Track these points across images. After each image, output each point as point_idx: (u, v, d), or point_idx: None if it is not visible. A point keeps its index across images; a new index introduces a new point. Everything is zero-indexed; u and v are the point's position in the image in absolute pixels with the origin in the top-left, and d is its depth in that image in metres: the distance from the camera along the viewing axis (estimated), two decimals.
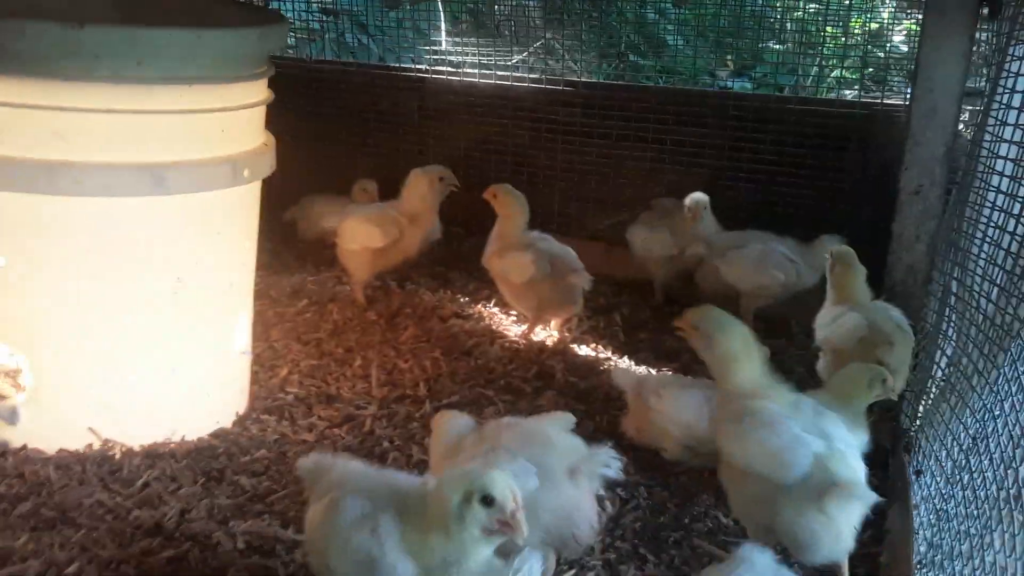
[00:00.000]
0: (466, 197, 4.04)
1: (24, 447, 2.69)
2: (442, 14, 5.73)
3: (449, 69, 5.00)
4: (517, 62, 5.24)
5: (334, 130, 5.05)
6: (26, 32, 2.27)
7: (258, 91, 2.81)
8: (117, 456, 2.71)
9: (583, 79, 4.77)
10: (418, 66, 5.10)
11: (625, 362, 3.67)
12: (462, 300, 4.20)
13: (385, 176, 4.42)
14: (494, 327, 3.96)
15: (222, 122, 2.65)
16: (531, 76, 4.75)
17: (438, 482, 1.82)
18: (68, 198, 2.42)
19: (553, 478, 2.15)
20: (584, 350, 3.80)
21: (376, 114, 5.01)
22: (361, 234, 3.93)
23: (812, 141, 4.15)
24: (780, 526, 2.25)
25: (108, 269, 2.55)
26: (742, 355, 2.41)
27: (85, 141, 2.41)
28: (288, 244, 4.63)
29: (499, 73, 4.81)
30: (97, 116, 2.41)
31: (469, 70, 4.85)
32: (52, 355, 2.59)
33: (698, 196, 3.93)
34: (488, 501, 1.73)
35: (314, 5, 5.49)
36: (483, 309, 4.14)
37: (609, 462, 2.24)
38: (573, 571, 2.39)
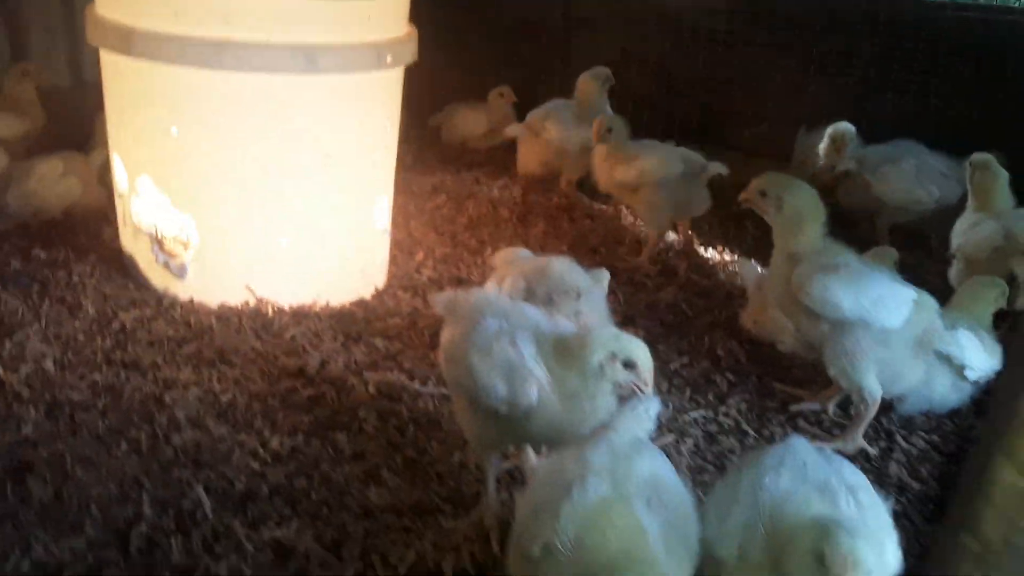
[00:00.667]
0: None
1: (191, 300, 3.04)
2: None
3: None
4: None
5: (479, 40, 5.21)
6: None
7: None
8: (269, 313, 3.02)
9: None
10: None
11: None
12: (594, 205, 4.33)
13: (527, 85, 4.57)
14: (622, 227, 4.08)
15: (368, 10, 2.85)
16: None
17: (590, 334, 1.98)
18: (232, 73, 2.69)
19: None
20: (711, 252, 3.86)
21: (521, 24, 5.13)
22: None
23: (969, 51, 3.97)
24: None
25: (266, 140, 2.82)
26: (811, 215, 2.46)
27: (248, 22, 2.65)
28: (432, 147, 4.89)
29: None
30: (258, 0, 2.65)
31: None
32: (216, 218, 2.90)
33: (843, 127, 3.85)
34: (630, 365, 1.90)
35: None
36: (613, 211, 4.25)
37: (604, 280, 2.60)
38: (673, 436, 2.52)
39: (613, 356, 1.91)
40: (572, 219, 4.12)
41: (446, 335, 2.16)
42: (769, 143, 4.36)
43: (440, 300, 2.28)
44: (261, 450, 2.33)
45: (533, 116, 4.33)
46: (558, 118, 4.24)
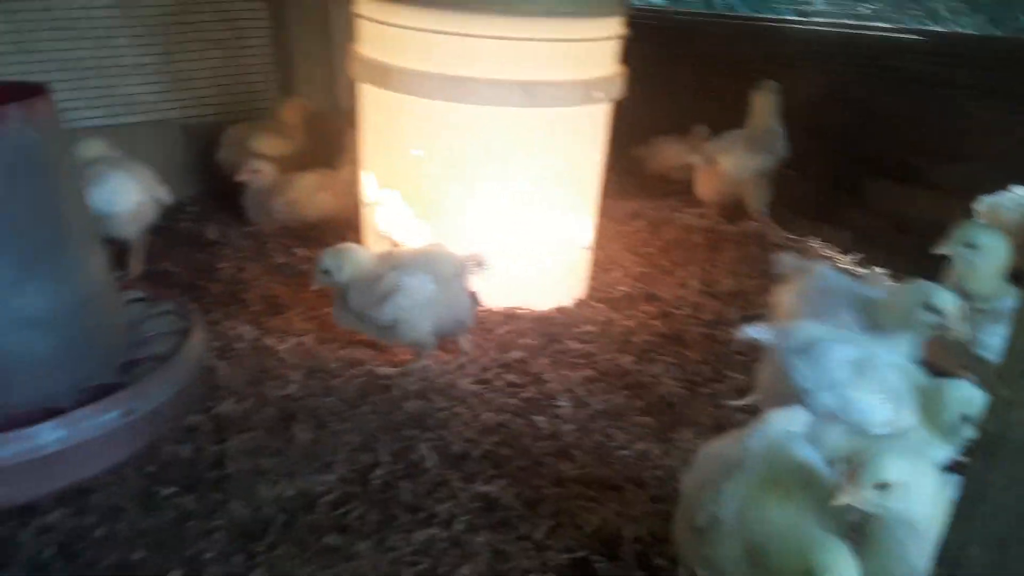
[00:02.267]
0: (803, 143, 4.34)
1: None
2: None
3: (797, 19, 5.25)
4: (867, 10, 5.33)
5: (685, 77, 5.52)
6: None
7: (612, 27, 3.35)
8: (481, 313, 3.47)
9: (931, 27, 4.77)
10: (766, 15, 5.39)
11: None
12: (786, 235, 4.53)
13: (730, 121, 4.83)
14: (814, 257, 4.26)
15: (580, 50, 3.24)
16: (877, 24, 4.85)
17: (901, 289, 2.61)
18: (467, 105, 3.17)
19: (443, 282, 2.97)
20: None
21: (725, 62, 5.40)
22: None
23: None
24: None
25: (492, 163, 3.27)
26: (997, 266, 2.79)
27: (482, 63, 3.13)
28: (633, 175, 5.23)
29: (844, 21, 4.97)
30: (489, 41, 3.10)
31: (817, 18, 5.07)
32: (446, 227, 3.38)
33: None
34: (934, 309, 2.46)
35: None
36: (807, 244, 4.44)
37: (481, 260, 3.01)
38: None
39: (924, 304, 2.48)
40: (763, 247, 4.34)
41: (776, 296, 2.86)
42: (967, 181, 4.38)
43: (782, 260, 2.97)
44: (474, 422, 2.76)
45: (708, 146, 4.62)
46: (730, 148, 4.49)
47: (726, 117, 4.93)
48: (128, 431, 2.38)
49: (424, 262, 3.01)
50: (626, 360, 3.19)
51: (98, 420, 2.31)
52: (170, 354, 2.65)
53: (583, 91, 3.26)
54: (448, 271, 3.01)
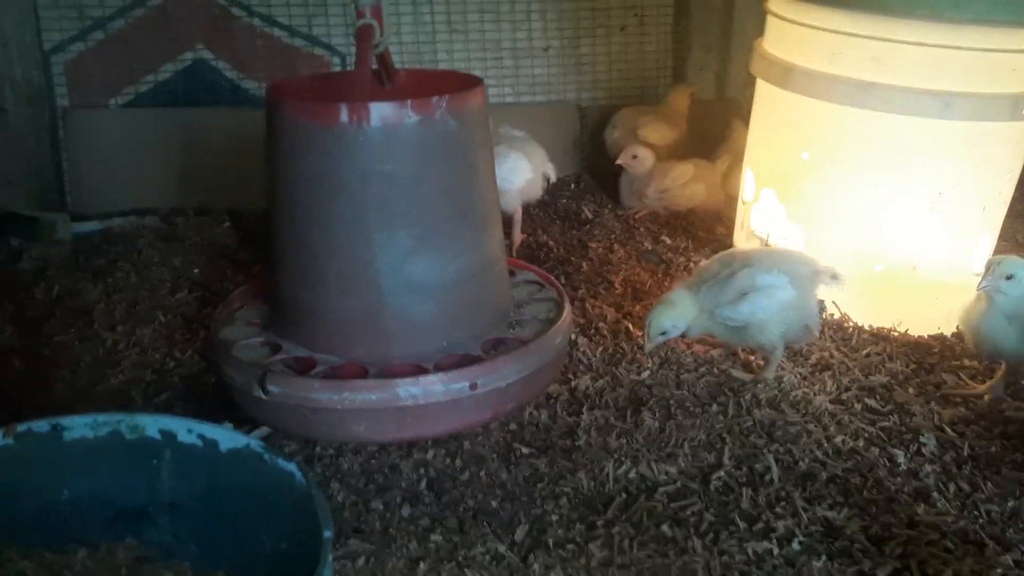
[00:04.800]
0: None
1: None
2: None
3: None
4: None
5: None
6: None
7: None
8: (849, 328, 3.31)
9: None
10: None
11: None
12: None
13: None
14: None
15: (1011, 61, 2.93)
16: None
17: None
18: (871, 112, 3.01)
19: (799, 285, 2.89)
20: None
21: None
22: None
23: None
24: None
25: (885, 174, 3.10)
26: None
27: (893, 67, 2.94)
28: None
29: None
30: (904, 46, 2.91)
31: None
32: (821, 233, 3.26)
33: None
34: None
35: None
36: None
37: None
38: None
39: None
40: None
41: None
42: None
43: None
44: (825, 443, 2.66)
45: None
46: None
47: None
48: (501, 395, 2.56)
49: (781, 262, 2.94)
50: (1008, 405, 2.88)
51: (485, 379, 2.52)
52: (548, 322, 2.82)
53: (1010, 106, 2.95)
54: (804, 274, 2.92)
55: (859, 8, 2.94)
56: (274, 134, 2.53)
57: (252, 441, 1.93)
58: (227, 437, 1.92)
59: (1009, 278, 2.68)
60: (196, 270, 3.74)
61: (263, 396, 2.43)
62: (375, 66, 2.75)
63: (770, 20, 3.36)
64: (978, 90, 2.93)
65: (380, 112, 2.36)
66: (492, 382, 2.50)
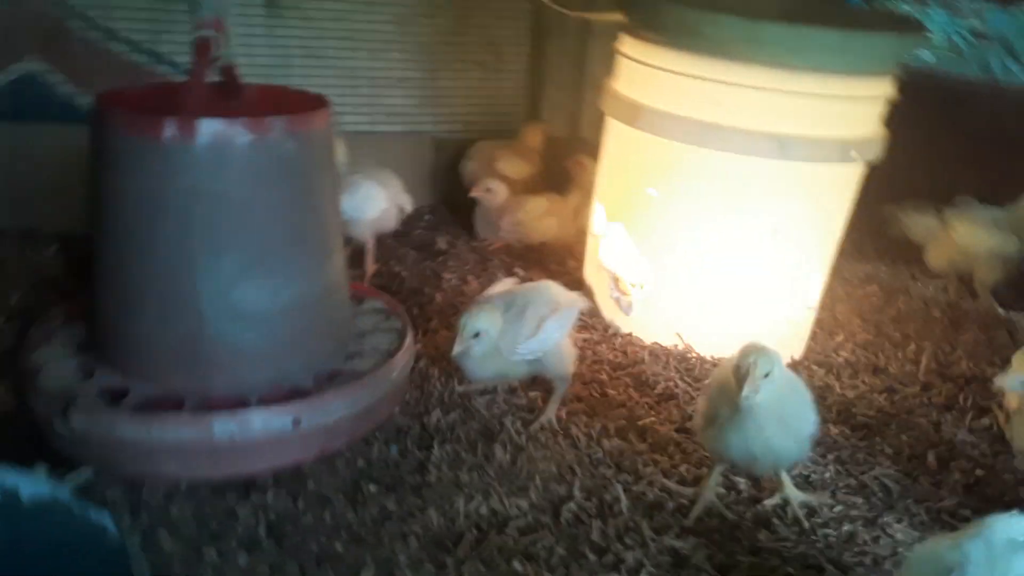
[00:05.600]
0: None
1: (630, 334, 3.54)
2: None
3: None
4: None
5: (947, 143, 5.13)
6: (719, 22, 2.97)
7: (877, 87, 3.19)
8: (692, 358, 3.41)
9: None
10: None
11: None
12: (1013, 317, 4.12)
13: (993, 190, 4.45)
14: None
15: (843, 108, 3.11)
16: None
17: None
18: (711, 151, 3.13)
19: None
20: None
21: (990, 130, 4.97)
22: None
23: None
24: None
25: (725, 210, 3.22)
26: None
27: (733, 109, 3.07)
28: (873, 238, 4.92)
29: None
30: (744, 90, 3.04)
31: None
32: (668, 269, 3.36)
33: None
34: None
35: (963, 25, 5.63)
36: None
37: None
38: None
39: None
40: (1011, 332, 3.97)
41: None
42: None
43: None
44: (672, 472, 2.71)
45: (949, 212, 4.25)
46: (972, 218, 4.13)
47: (995, 191, 4.55)
48: (328, 432, 2.46)
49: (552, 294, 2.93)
50: (839, 432, 3.03)
51: (325, 408, 2.44)
52: (388, 353, 2.75)
53: (840, 149, 3.13)
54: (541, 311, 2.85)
55: (703, 52, 3.06)
56: (96, 147, 2.36)
57: (59, 489, 1.73)
58: (30, 485, 1.70)
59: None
60: (14, 298, 3.45)
61: (63, 430, 2.23)
62: (216, 80, 2.63)
63: (620, 60, 3.45)
64: (811, 133, 3.10)
65: (209, 128, 2.23)
66: (318, 418, 2.39)
